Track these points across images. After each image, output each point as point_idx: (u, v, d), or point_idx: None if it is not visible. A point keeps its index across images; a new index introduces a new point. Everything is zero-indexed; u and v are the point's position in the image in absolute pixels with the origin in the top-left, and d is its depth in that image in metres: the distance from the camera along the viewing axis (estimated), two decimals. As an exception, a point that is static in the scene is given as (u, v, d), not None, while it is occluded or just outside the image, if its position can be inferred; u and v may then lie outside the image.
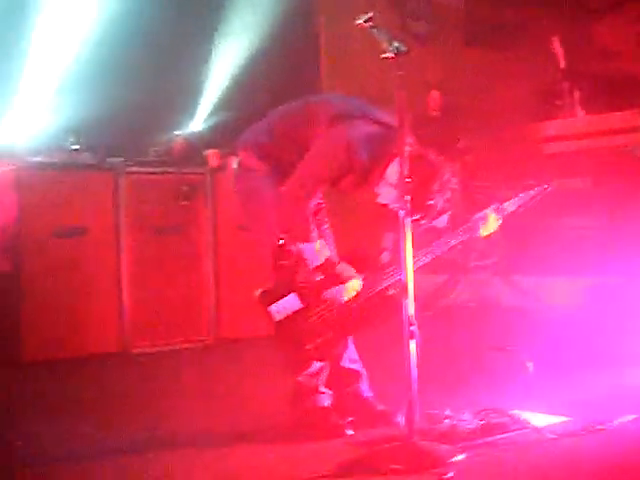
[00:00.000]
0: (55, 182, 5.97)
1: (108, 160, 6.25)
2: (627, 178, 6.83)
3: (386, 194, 3.72)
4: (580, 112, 7.91)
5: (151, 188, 6.30)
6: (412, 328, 3.32)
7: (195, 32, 7.49)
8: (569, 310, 6.07)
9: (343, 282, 3.70)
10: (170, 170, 6.39)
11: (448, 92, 8.37)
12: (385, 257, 3.79)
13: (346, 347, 4.00)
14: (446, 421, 3.66)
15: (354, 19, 3.39)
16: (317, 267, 3.69)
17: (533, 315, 6.18)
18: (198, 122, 7.69)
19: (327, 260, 3.70)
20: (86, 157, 6.15)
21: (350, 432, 3.82)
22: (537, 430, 3.61)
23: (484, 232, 3.76)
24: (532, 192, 3.79)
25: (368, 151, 3.67)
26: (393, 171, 3.64)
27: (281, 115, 4.00)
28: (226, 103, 7.74)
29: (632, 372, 4.65)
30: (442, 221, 3.83)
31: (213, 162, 6.50)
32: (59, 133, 6.43)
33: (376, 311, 3.77)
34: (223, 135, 7.06)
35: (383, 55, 3.33)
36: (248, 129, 4.07)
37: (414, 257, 3.40)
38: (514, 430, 3.62)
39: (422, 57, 8.85)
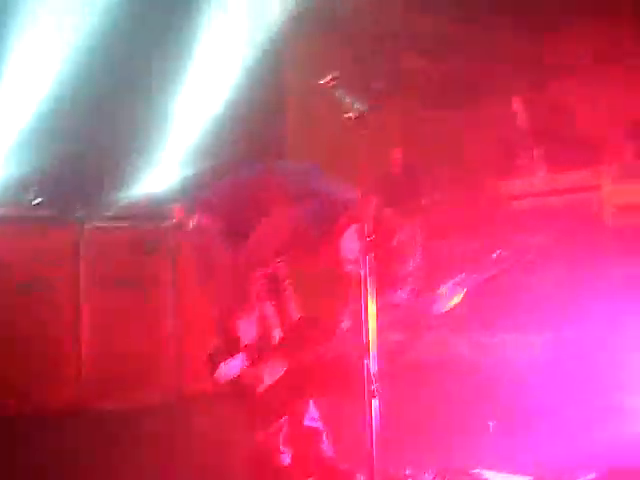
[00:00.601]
0: (15, 235, 5.91)
1: (69, 213, 6.22)
2: (587, 235, 6.93)
3: (347, 267, 3.75)
4: (541, 170, 8.03)
5: (112, 241, 6.26)
6: (373, 387, 3.31)
7: (158, 83, 7.51)
8: (529, 367, 6.08)
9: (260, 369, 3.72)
10: (132, 224, 6.36)
11: (410, 150, 8.47)
12: (345, 325, 3.81)
13: (307, 406, 3.98)
14: (407, 481, 3.64)
15: (319, 76, 3.43)
16: (245, 346, 3.71)
17: (493, 372, 6.18)
18: (162, 177, 7.68)
19: (248, 344, 3.73)
20: (47, 211, 6.11)
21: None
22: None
23: (444, 307, 3.81)
24: (493, 270, 3.86)
25: (316, 227, 3.72)
26: (347, 247, 3.70)
27: (236, 182, 4.07)
28: (190, 159, 7.75)
29: (594, 428, 4.67)
30: (404, 293, 3.85)
31: (176, 217, 6.49)
32: (20, 187, 6.39)
33: (334, 375, 3.79)
34: (186, 190, 7.06)
35: (345, 115, 3.37)
36: (205, 191, 4.13)
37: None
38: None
39: (384, 116, 8.96)
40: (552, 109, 8.78)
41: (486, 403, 4.90)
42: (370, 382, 3.31)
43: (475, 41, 9.26)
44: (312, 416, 4.00)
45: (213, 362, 3.78)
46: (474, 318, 6.96)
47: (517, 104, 8.64)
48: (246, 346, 3.73)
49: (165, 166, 7.74)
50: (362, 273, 3.28)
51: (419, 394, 5.80)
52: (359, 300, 3.42)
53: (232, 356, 3.75)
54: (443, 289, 3.79)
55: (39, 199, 6.11)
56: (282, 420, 3.88)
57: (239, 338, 3.75)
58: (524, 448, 4.36)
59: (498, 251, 3.87)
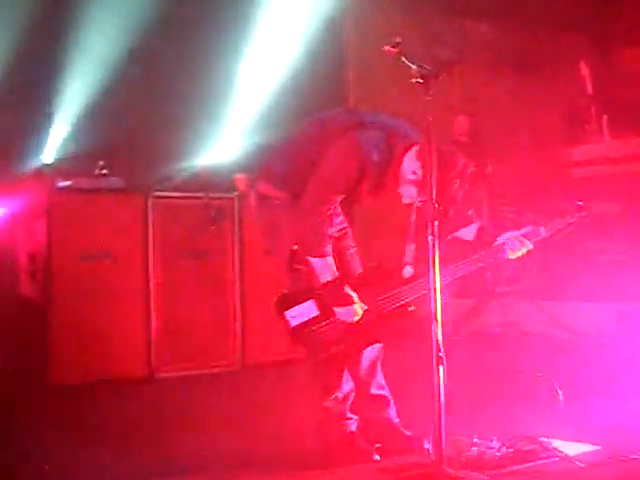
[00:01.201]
0: (84, 206, 6.01)
1: (136, 184, 6.29)
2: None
3: (408, 192, 3.72)
4: (607, 137, 7.88)
5: (179, 212, 6.32)
6: (440, 354, 3.30)
7: (220, 56, 7.53)
8: (599, 336, 6.00)
9: (348, 304, 3.69)
10: (198, 195, 6.41)
11: (475, 117, 8.36)
12: (407, 272, 3.78)
13: (375, 373, 3.99)
14: (474, 448, 3.63)
15: (381, 44, 3.40)
16: (325, 283, 3.69)
17: (562, 341, 6.12)
18: (226, 147, 7.72)
19: (335, 279, 3.70)
20: (115, 181, 6.18)
21: (377, 458, 3.80)
22: (567, 458, 3.57)
23: (512, 255, 3.75)
24: (569, 219, 3.79)
25: (378, 152, 3.69)
26: (408, 167, 3.66)
27: (293, 138, 4.05)
28: (253, 128, 7.77)
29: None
30: (470, 233, 3.81)
31: (241, 187, 6.51)
32: (88, 158, 6.48)
33: (394, 326, 3.77)
34: (251, 159, 7.09)
35: (411, 80, 3.34)
36: (264, 159, 4.10)
37: (441, 275, 3.39)
38: (543, 458, 3.58)
39: (449, 82, 8.86)
40: (618, 76, 8.60)
41: (555, 371, 4.84)
42: (437, 349, 3.31)
43: (540, 7, 9.10)
44: (379, 383, 4.01)
45: (280, 308, 3.78)
46: (542, 286, 6.89)
47: (584, 70, 8.48)
48: (323, 287, 3.70)
49: (229, 137, 7.78)
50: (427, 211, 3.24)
51: (486, 361, 5.77)
52: (420, 240, 3.41)
53: (301, 302, 3.75)
54: (510, 235, 3.76)
55: (106, 170, 6.18)
56: (350, 386, 3.89)
57: (312, 282, 3.72)
58: (593, 417, 4.31)
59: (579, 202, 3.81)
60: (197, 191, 6.42)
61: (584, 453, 3.69)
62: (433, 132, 3.32)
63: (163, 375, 6.13)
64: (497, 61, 9.58)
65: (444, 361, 3.29)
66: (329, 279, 3.67)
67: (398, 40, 3.38)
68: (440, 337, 3.30)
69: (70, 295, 5.87)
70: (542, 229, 3.80)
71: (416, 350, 3.67)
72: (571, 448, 3.71)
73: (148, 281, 6.16)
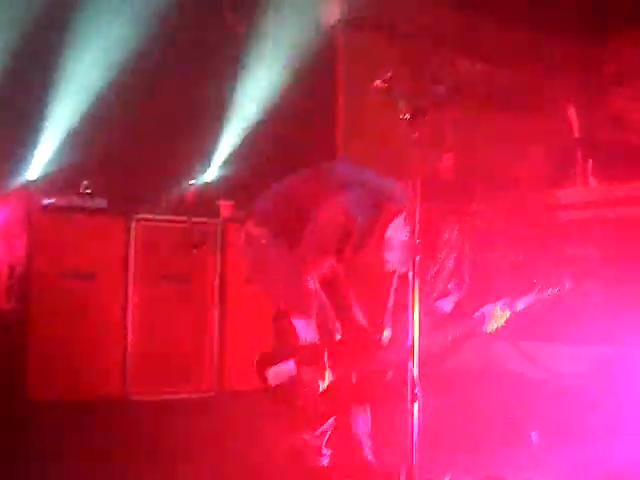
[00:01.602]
0: (66, 224, 5.98)
1: (120, 205, 6.27)
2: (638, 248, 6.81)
3: (392, 259, 3.73)
4: (592, 181, 7.92)
5: (161, 235, 6.31)
6: (415, 391, 3.28)
7: (212, 83, 7.54)
8: (575, 378, 5.99)
9: (319, 370, 3.68)
10: (181, 218, 6.40)
11: (462, 155, 8.40)
12: (386, 336, 3.79)
13: (359, 417, 3.98)
14: (446, 488, 3.61)
15: (372, 79, 3.40)
16: (302, 345, 3.69)
17: (538, 383, 6.10)
18: (212, 172, 7.71)
19: (314, 344, 3.69)
20: (98, 202, 6.17)
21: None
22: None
23: (490, 328, 3.79)
24: (546, 293, 3.84)
25: (364, 214, 3.71)
26: (394, 233, 3.67)
27: (287, 185, 4.06)
28: (240, 155, 7.77)
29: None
30: (448, 304, 3.83)
31: (225, 213, 6.51)
32: (72, 176, 6.46)
33: (371, 392, 3.77)
34: (236, 186, 7.09)
35: (401, 116, 3.34)
36: (257, 198, 4.12)
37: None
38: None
39: (438, 120, 8.90)
40: (605, 120, 8.67)
41: (531, 413, 4.82)
42: (413, 386, 3.28)
43: (530, 47, 9.17)
44: (364, 423, 4.00)
45: (261, 367, 3.77)
46: (521, 326, 6.88)
47: (571, 113, 8.54)
48: (301, 348, 3.70)
49: (216, 162, 7.78)
50: (409, 273, 3.25)
51: (462, 400, 5.74)
52: (399, 304, 3.41)
53: (282, 361, 3.74)
54: (489, 308, 3.79)
55: (90, 190, 6.16)
56: (329, 423, 3.86)
57: (294, 340, 3.72)
58: (567, 460, 4.29)
59: (535, 280, 3.87)
60: (180, 215, 6.41)
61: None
62: (418, 171, 3.31)
63: (137, 398, 6.07)
64: (487, 99, 9.64)
65: (419, 398, 3.26)
66: (306, 342, 3.67)
67: (389, 75, 3.38)
68: (416, 374, 3.28)
69: (47, 312, 5.84)
70: (519, 302, 3.86)
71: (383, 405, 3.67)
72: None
73: (127, 302, 6.14)
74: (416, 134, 3.30)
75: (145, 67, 7.15)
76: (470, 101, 9.50)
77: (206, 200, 6.76)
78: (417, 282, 3.29)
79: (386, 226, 3.73)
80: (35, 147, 6.80)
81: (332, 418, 3.87)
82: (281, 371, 3.72)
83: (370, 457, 4.00)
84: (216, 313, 6.46)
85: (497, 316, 3.78)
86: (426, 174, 3.38)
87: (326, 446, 3.89)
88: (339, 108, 8.66)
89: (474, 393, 5.98)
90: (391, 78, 3.37)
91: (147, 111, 7.13)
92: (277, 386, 3.74)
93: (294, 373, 3.71)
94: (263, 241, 3.90)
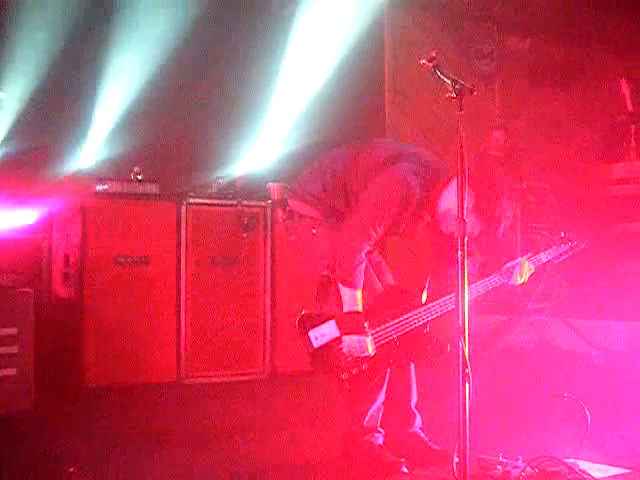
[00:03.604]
0: (119, 211, 6.06)
1: (170, 190, 6.33)
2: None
3: (448, 223, 3.75)
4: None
5: (212, 219, 6.35)
6: (467, 370, 3.27)
7: (261, 66, 7.57)
8: (629, 356, 5.91)
9: (361, 336, 3.68)
10: (231, 202, 6.43)
11: (511, 132, 8.31)
12: (425, 296, 3.79)
13: (407, 390, 3.99)
14: (499, 467, 3.59)
15: (419, 58, 3.38)
16: (347, 312, 3.69)
17: (592, 360, 6.04)
18: (261, 155, 7.75)
19: (359, 312, 3.70)
20: (150, 187, 6.23)
21: (405, 471, 3.78)
22: (594, 481, 3.52)
23: (518, 281, 3.80)
24: (565, 247, 3.85)
25: (419, 185, 3.72)
26: (446, 201, 3.69)
27: (332, 162, 4.00)
28: (289, 137, 7.79)
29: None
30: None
31: (274, 195, 6.53)
32: (125, 163, 6.54)
33: (413, 348, 3.76)
34: (285, 169, 7.12)
35: (447, 94, 3.32)
36: (298, 178, 4.10)
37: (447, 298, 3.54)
38: (570, 480, 3.54)
39: (486, 97, 8.83)
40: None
41: (585, 391, 4.77)
42: (464, 365, 3.28)
43: (582, 22, 9.04)
44: (411, 400, 4.01)
45: (302, 327, 3.77)
46: (574, 304, 6.82)
47: (624, 87, 8.40)
48: (345, 316, 3.71)
49: (264, 145, 7.81)
50: (458, 253, 3.23)
51: (516, 378, 5.71)
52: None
53: (323, 322, 3.74)
54: (513, 262, 3.81)
55: (141, 175, 6.22)
56: (380, 400, 3.88)
57: (338, 307, 3.73)
58: (622, 439, 4.24)
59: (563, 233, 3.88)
60: (230, 199, 6.44)
61: (613, 476, 3.63)
62: (465, 148, 3.29)
63: (191, 381, 6.15)
64: (537, 76, 9.52)
65: (470, 378, 3.25)
66: (351, 310, 3.69)
67: (434, 54, 3.36)
68: (467, 353, 3.27)
69: (102, 298, 5.93)
70: (541, 255, 3.90)
71: (446, 365, 3.65)
72: (599, 471, 3.66)
73: (180, 286, 6.20)
74: (461, 112, 3.29)
75: (194, 53, 7.21)
76: (519, 77, 9.41)
77: (256, 183, 6.78)
78: (466, 260, 3.29)
79: (439, 195, 3.75)
80: (88, 135, 6.90)
81: (382, 396, 3.87)
82: (323, 332, 3.72)
83: (422, 434, 4.01)
84: (267, 296, 6.49)
85: (522, 271, 3.78)
86: (475, 152, 3.38)
87: (381, 425, 3.90)
88: (387, 87, 8.63)
89: (528, 371, 5.94)
90: (435, 57, 3.35)
91: (196, 97, 7.19)
92: (320, 348, 3.73)
93: (337, 335, 3.71)
94: (312, 220, 3.90)
